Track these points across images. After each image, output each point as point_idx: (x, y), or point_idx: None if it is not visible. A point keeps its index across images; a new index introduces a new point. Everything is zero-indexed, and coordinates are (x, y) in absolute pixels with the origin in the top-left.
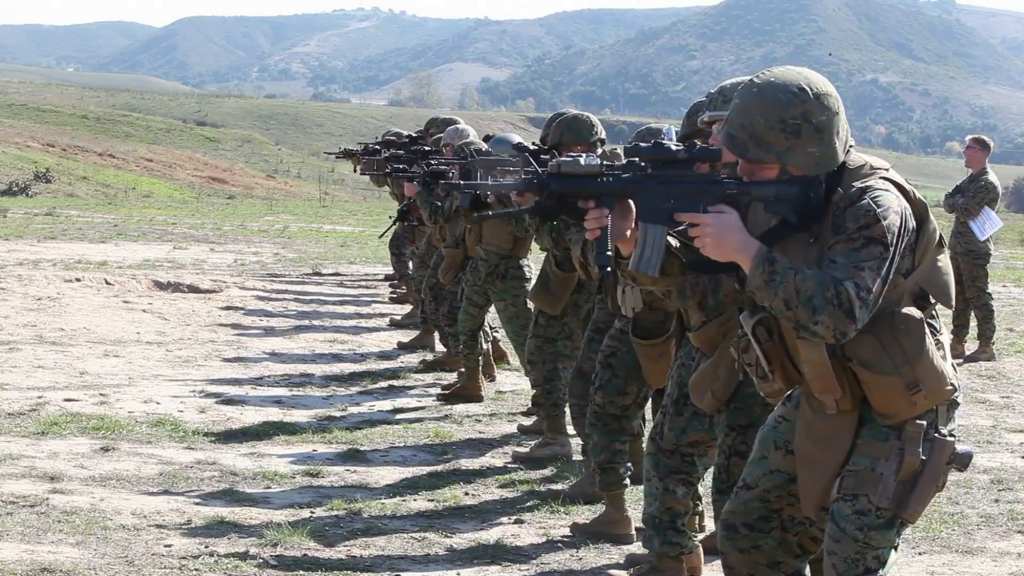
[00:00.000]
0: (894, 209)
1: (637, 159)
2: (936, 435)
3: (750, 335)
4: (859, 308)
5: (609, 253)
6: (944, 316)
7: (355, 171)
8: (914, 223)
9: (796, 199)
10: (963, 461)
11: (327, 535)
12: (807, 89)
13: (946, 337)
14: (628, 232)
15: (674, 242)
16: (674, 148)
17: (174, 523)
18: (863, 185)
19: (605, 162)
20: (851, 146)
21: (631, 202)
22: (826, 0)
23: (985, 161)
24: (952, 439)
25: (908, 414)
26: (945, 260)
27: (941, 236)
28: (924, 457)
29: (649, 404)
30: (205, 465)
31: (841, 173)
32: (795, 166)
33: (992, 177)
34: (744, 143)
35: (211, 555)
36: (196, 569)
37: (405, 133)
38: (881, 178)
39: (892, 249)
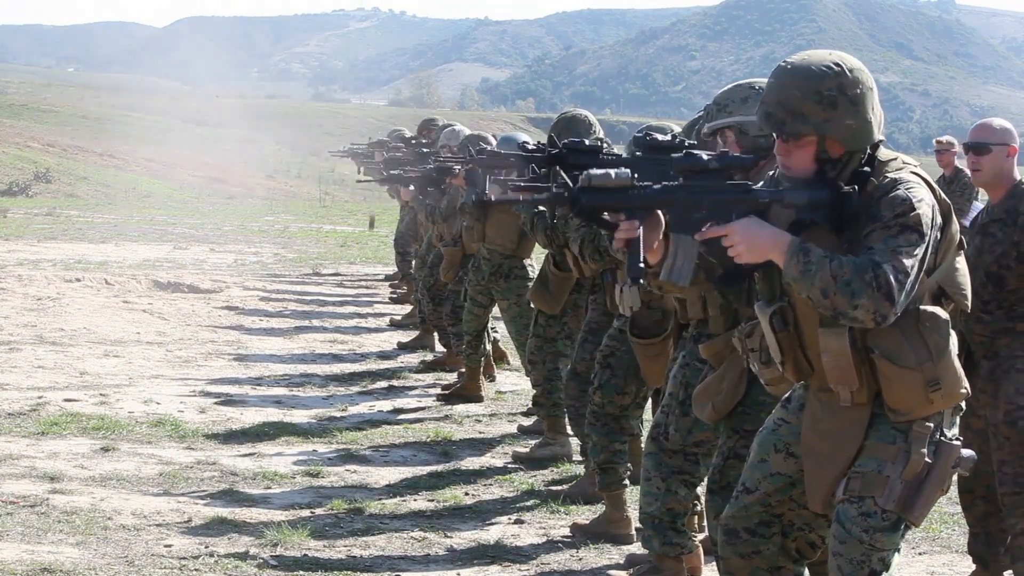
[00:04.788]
0: (927, 201)
1: (641, 149)
2: (942, 438)
3: (766, 325)
4: (897, 291)
5: (641, 265)
6: None
7: (359, 172)
8: (941, 220)
9: (829, 204)
10: (967, 465)
11: (327, 535)
12: (841, 63)
13: (956, 341)
14: (656, 243)
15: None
16: (705, 158)
17: (174, 523)
18: (896, 176)
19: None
20: (882, 140)
21: (660, 213)
22: (826, 0)
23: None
24: (958, 443)
25: (922, 412)
26: (962, 262)
27: (961, 238)
28: (930, 460)
29: (649, 403)
30: (205, 465)
31: (873, 164)
32: (833, 138)
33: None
34: (781, 118)
35: (211, 555)
36: (196, 569)
37: (408, 133)
38: (911, 172)
39: (927, 238)
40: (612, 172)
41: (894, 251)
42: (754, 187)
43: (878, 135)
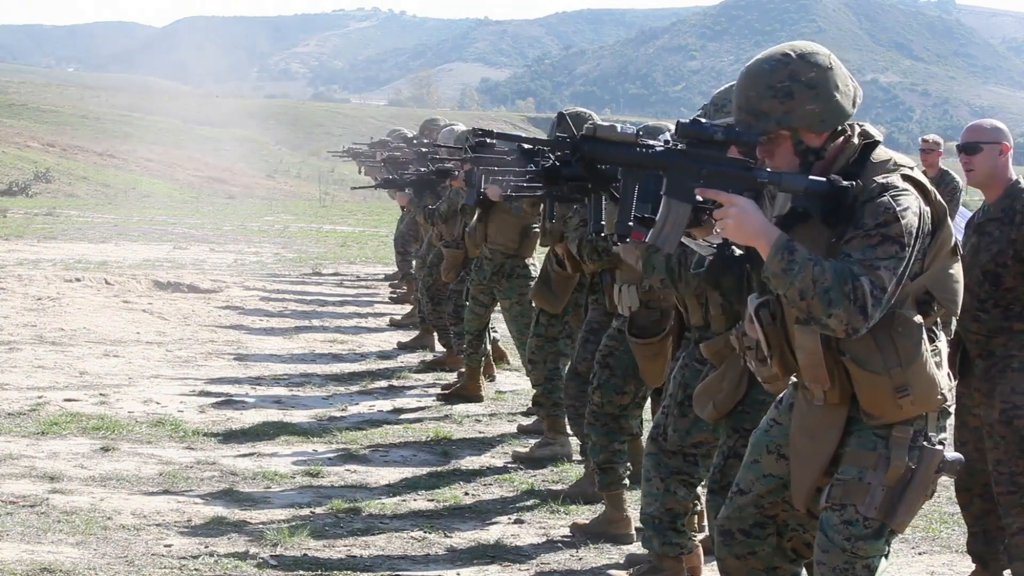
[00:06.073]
0: (912, 210)
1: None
2: (924, 443)
3: (753, 316)
4: (872, 306)
5: (631, 223)
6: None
7: (360, 172)
8: (930, 226)
9: (825, 195)
10: (953, 468)
11: (327, 535)
12: (790, 53)
13: (945, 346)
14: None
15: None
16: (712, 127)
17: (174, 523)
18: (884, 181)
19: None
20: (878, 141)
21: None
22: (826, 0)
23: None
24: (941, 447)
25: (894, 417)
26: (957, 268)
27: (956, 243)
28: (913, 465)
29: (648, 403)
30: (205, 465)
31: (863, 165)
32: (802, 128)
33: (955, 174)
34: (746, 121)
35: (211, 555)
36: (196, 569)
37: (409, 133)
38: (903, 176)
39: (908, 250)
40: (618, 126)
41: (872, 263)
42: (755, 166)
43: (851, 110)
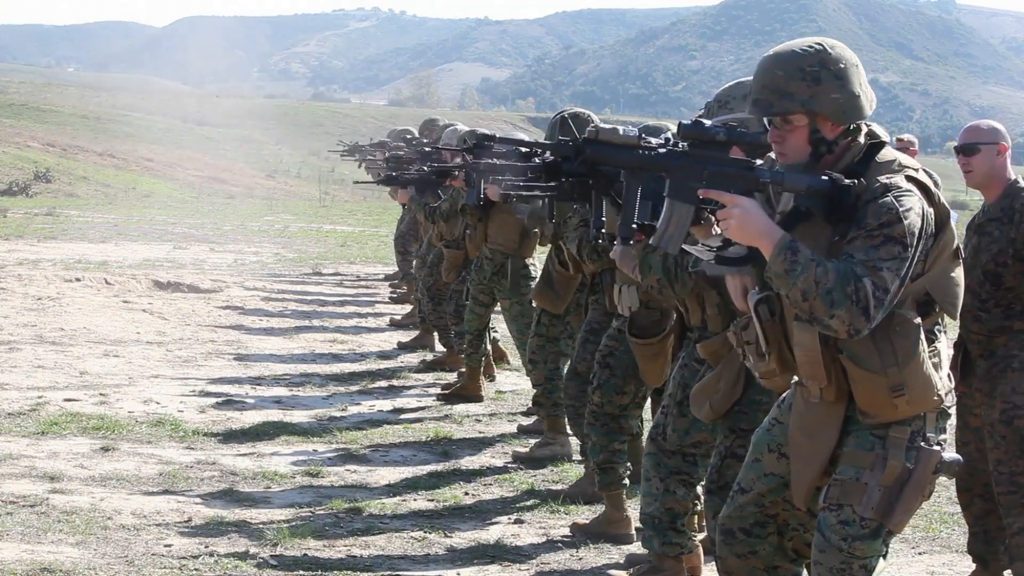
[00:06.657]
0: (915, 210)
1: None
2: (922, 444)
3: (752, 312)
4: (874, 307)
5: (634, 226)
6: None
7: (359, 167)
8: (933, 228)
9: (827, 194)
10: (951, 469)
11: (327, 535)
12: (821, 43)
13: (946, 348)
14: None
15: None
16: (714, 129)
17: (174, 523)
18: (888, 181)
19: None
20: (884, 142)
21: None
22: (826, 0)
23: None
24: (938, 448)
25: (889, 416)
26: (959, 272)
27: (958, 246)
28: (910, 466)
29: (648, 403)
30: (205, 465)
31: (867, 165)
32: (823, 115)
33: (933, 172)
34: (768, 100)
35: (211, 555)
36: (196, 569)
37: (414, 132)
38: (907, 177)
39: (911, 251)
40: (620, 128)
41: (875, 264)
42: (757, 165)
43: (868, 110)
